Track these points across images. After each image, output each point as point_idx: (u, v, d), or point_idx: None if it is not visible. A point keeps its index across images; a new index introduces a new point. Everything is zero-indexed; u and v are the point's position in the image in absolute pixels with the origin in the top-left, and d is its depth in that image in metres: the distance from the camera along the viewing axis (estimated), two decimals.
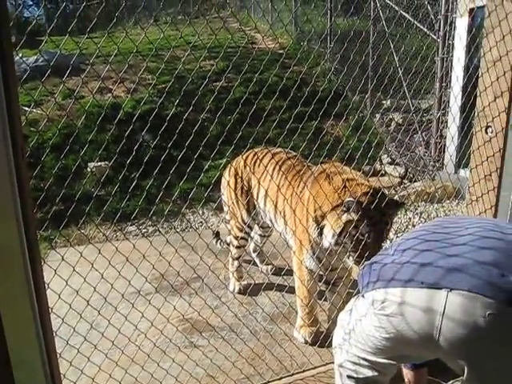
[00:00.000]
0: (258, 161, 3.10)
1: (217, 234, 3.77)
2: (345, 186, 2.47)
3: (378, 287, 1.53)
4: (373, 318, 1.55)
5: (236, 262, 3.44)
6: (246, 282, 3.35)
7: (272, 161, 2.88)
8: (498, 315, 1.32)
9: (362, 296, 1.65)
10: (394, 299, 1.47)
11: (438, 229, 1.63)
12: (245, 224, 3.30)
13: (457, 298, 1.35)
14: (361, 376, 1.65)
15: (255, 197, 3.19)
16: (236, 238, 3.40)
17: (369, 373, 1.64)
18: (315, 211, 2.55)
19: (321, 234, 2.56)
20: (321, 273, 2.74)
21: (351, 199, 2.36)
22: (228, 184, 3.31)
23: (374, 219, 2.34)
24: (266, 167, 2.91)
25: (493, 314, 1.31)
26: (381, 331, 1.52)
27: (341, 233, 2.41)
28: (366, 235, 2.35)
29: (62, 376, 1.54)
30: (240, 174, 3.26)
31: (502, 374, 1.40)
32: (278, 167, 2.86)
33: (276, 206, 2.93)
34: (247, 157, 3.24)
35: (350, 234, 2.37)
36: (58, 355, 1.50)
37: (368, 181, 2.55)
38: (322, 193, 2.50)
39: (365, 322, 1.60)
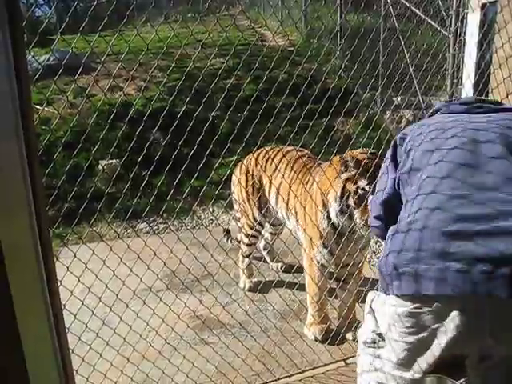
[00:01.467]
0: (270, 159, 3.10)
1: (227, 232, 3.78)
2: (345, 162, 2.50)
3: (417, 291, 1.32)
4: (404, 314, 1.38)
5: (246, 260, 3.44)
6: (256, 280, 3.35)
7: (283, 159, 2.88)
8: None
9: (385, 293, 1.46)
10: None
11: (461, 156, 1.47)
12: (256, 222, 3.30)
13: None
14: None
15: (267, 195, 3.19)
16: (247, 235, 3.40)
17: None
18: (322, 199, 2.57)
19: (329, 218, 2.56)
20: (331, 269, 2.73)
21: (348, 157, 2.40)
22: (239, 182, 3.32)
23: (372, 173, 2.34)
24: (277, 165, 2.91)
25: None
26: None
27: (342, 194, 2.44)
28: (367, 187, 2.35)
29: (74, 372, 1.56)
30: (251, 172, 3.26)
31: None
32: (289, 165, 2.86)
33: (287, 204, 2.93)
34: (258, 155, 3.24)
35: (352, 195, 2.39)
36: (71, 351, 1.52)
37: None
38: (325, 179, 2.52)
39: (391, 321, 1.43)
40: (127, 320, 2.09)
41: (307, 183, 2.74)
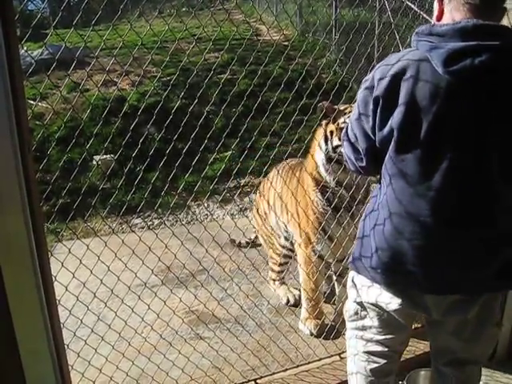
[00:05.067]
0: (269, 181, 3.03)
1: (233, 242, 3.66)
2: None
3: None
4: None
5: (277, 283, 3.22)
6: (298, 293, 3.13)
7: (288, 173, 2.84)
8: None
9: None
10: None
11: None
12: (282, 248, 3.16)
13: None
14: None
15: (274, 217, 3.10)
16: (276, 263, 3.23)
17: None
18: (313, 176, 2.60)
19: (322, 192, 2.58)
20: (329, 260, 2.70)
21: (323, 102, 2.38)
22: (257, 212, 3.29)
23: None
24: (271, 183, 2.90)
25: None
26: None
27: (326, 138, 2.45)
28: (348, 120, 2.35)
29: (69, 367, 1.56)
30: (262, 200, 3.24)
31: None
32: (280, 177, 2.85)
33: (287, 214, 2.90)
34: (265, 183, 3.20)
35: (336, 132, 2.40)
36: (66, 346, 1.52)
37: None
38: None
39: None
40: (122, 315, 2.09)
41: (294, 176, 2.74)
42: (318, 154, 2.54)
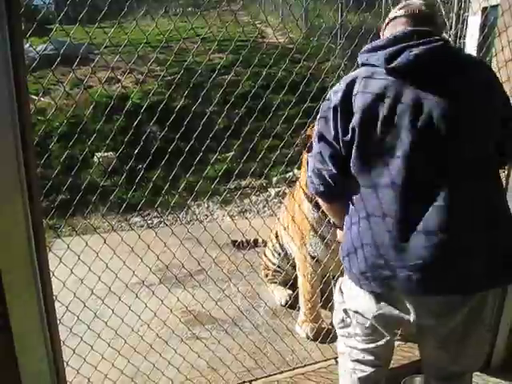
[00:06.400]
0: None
1: (234, 243, 3.67)
2: None
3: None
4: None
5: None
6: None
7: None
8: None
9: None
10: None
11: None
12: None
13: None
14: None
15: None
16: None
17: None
18: (306, 183, 2.61)
19: (317, 206, 2.57)
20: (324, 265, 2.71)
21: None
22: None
23: None
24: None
25: None
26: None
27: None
28: None
29: (64, 363, 1.56)
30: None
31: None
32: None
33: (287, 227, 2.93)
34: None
35: None
36: (62, 343, 1.51)
37: None
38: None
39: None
40: (119, 313, 2.08)
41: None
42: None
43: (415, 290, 1.40)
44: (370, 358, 1.64)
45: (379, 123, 1.39)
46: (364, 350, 1.64)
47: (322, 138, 1.54)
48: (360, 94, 1.43)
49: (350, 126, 1.43)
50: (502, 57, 2.23)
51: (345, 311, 1.66)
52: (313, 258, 2.70)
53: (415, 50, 1.36)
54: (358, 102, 1.42)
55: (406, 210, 1.38)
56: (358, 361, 1.66)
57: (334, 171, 1.53)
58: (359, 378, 1.67)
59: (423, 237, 1.35)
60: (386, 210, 1.40)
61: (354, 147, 1.44)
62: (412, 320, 1.48)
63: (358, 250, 1.48)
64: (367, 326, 1.58)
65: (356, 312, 1.59)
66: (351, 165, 1.48)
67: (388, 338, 1.62)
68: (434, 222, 1.34)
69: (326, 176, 1.55)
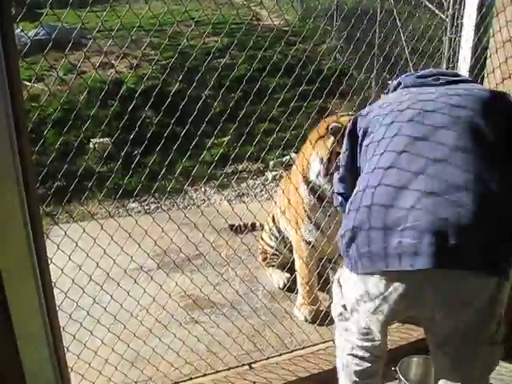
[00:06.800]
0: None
1: (232, 227, 3.67)
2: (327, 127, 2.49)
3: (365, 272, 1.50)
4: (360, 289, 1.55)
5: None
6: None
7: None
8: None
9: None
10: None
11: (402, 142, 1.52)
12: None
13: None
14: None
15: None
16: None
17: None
18: (303, 168, 2.60)
19: (313, 190, 2.58)
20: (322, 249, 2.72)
21: (336, 124, 2.39)
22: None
23: None
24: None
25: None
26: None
27: (329, 158, 2.44)
28: None
29: (65, 349, 1.57)
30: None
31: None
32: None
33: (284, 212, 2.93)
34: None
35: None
36: (62, 329, 1.52)
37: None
38: (306, 147, 2.55)
39: (352, 291, 1.61)
40: (118, 298, 2.09)
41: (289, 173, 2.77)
42: (315, 161, 2.56)
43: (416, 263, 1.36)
44: (366, 354, 1.67)
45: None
46: (359, 347, 1.67)
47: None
48: (388, 110, 1.70)
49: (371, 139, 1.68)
50: (500, 37, 2.21)
51: (344, 306, 1.68)
52: (308, 243, 2.71)
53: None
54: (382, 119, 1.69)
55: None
56: (354, 355, 1.69)
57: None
58: (355, 371, 1.70)
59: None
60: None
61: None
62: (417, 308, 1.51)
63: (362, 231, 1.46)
64: (364, 326, 1.61)
65: (353, 309, 1.61)
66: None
67: (382, 337, 1.63)
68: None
69: (344, 201, 1.79)
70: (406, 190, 1.38)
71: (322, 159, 2.50)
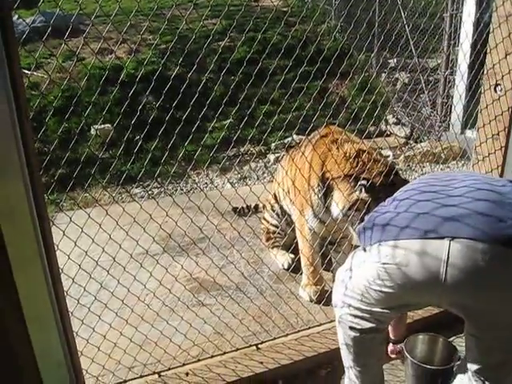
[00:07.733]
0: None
1: (235, 209, 3.67)
2: (358, 156, 2.46)
3: (385, 239, 1.57)
4: (375, 269, 1.58)
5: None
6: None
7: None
8: (498, 259, 1.39)
9: (364, 249, 1.70)
10: (400, 251, 1.51)
11: (434, 181, 1.68)
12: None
13: (458, 246, 1.40)
14: (359, 327, 1.70)
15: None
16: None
17: (367, 324, 1.69)
18: (323, 172, 2.56)
19: (325, 195, 2.56)
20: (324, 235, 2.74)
21: (365, 182, 2.35)
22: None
23: (383, 197, 2.33)
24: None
25: (493, 257, 1.38)
26: (383, 281, 1.56)
27: (350, 207, 2.42)
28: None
29: (74, 333, 1.59)
30: None
31: (501, 320, 1.47)
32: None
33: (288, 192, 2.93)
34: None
35: (359, 209, 2.37)
36: (70, 314, 1.54)
37: (381, 155, 2.53)
38: (330, 156, 2.49)
39: (364, 274, 1.64)
40: (125, 283, 2.11)
41: (298, 155, 2.73)
42: (338, 201, 2.51)
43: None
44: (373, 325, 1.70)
45: None
46: (364, 319, 1.69)
47: None
48: None
49: None
50: (503, 11, 2.18)
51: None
52: (310, 229, 2.72)
53: None
54: None
55: None
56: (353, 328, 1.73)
57: None
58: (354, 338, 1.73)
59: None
60: None
61: None
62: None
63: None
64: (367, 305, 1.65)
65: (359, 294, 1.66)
66: None
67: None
68: None
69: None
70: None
71: (344, 207, 2.46)
